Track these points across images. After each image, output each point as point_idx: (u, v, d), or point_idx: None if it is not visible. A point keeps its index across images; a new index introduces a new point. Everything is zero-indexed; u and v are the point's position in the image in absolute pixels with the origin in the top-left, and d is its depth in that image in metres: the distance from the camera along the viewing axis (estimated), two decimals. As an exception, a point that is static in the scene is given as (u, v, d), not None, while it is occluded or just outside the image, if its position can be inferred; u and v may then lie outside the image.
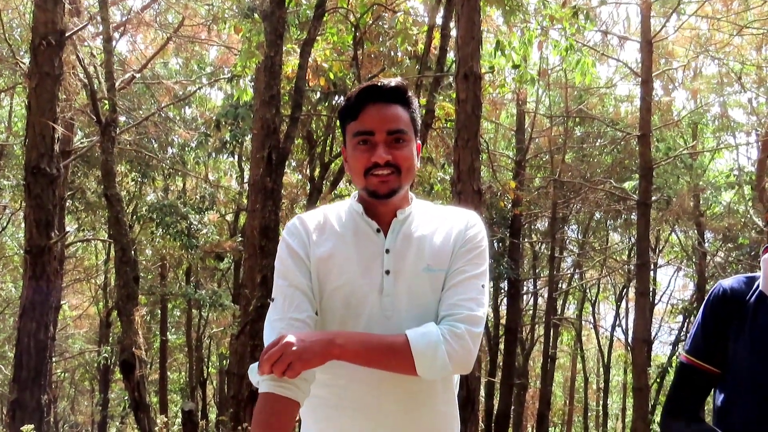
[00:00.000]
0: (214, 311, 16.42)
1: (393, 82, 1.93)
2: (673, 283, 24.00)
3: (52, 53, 8.83)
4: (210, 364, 23.44)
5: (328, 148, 13.24)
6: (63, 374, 24.74)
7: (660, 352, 23.71)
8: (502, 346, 18.62)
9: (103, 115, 9.10)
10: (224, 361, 20.09)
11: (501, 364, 18.39)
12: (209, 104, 18.50)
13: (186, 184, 18.89)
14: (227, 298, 15.64)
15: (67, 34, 9.13)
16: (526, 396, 21.70)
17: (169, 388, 23.10)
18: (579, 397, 25.84)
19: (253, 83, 11.81)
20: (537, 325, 22.18)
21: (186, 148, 16.83)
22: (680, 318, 21.71)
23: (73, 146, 13.55)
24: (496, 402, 18.98)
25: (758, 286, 2.03)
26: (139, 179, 16.49)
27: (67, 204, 15.09)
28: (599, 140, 18.46)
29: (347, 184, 13.46)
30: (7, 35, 11.67)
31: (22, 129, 14.63)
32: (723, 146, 18.24)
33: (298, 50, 8.95)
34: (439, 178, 13.15)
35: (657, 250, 21.40)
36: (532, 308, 22.43)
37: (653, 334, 20.77)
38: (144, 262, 19.41)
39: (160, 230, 14.45)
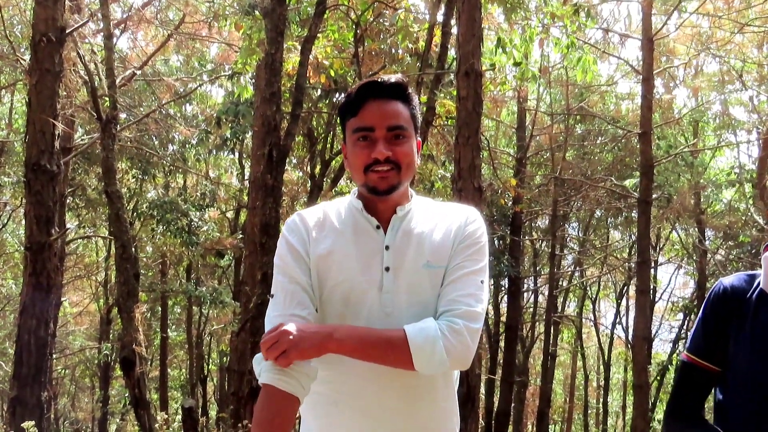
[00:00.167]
0: (215, 308, 16.46)
1: (393, 78, 1.93)
2: (674, 281, 24.03)
3: (52, 50, 8.83)
4: (210, 361, 23.48)
5: (328, 146, 13.25)
6: (63, 371, 24.77)
7: (660, 349, 23.73)
8: (502, 344, 18.62)
9: (104, 112, 9.09)
10: (225, 358, 20.14)
11: (501, 361, 18.39)
12: (210, 101, 18.50)
13: (187, 181, 18.88)
14: (228, 295, 15.65)
15: (67, 31, 9.13)
16: (527, 393, 21.71)
17: (170, 385, 23.12)
18: (579, 394, 25.86)
19: (253, 80, 11.81)
20: (537, 323, 22.18)
21: (187, 145, 16.81)
22: (681, 316, 21.72)
23: (73, 143, 13.55)
24: (496, 399, 18.98)
25: (759, 283, 2.03)
26: (140, 176, 16.49)
27: (68, 201, 15.12)
28: (600, 138, 18.45)
29: (348, 181, 13.45)
30: (7, 32, 11.67)
31: (22, 126, 14.62)
32: (724, 144, 18.23)
33: (299, 47, 8.93)
34: (439, 176, 13.16)
35: (657, 248, 21.40)
36: (532, 306, 22.44)
37: (653, 331, 20.80)
38: (144, 259, 19.42)
39: (161, 227, 14.46)
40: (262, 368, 1.81)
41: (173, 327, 23.40)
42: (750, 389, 1.98)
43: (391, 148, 1.88)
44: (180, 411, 8.35)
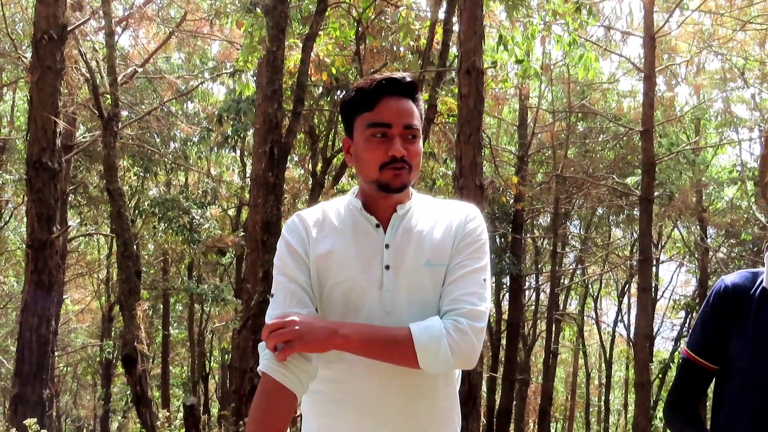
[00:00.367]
0: (216, 306, 16.47)
1: (408, 76, 1.92)
2: (676, 279, 24.03)
3: (54, 47, 8.83)
4: (212, 358, 23.50)
5: (330, 143, 13.22)
6: (65, 369, 24.81)
7: (662, 347, 23.72)
8: (504, 342, 18.65)
9: (106, 110, 9.09)
10: (226, 356, 20.16)
11: (503, 359, 18.40)
12: (211, 99, 18.49)
13: (188, 178, 18.89)
14: (229, 292, 15.66)
15: (69, 29, 9.13)
16: (528, 391, 21.72)
17: (171, 383, 23.16)
18: (581, 392, 25.86)
19: (255, 78, 11.80)
20: (539, 321, 22.17)
21: (188, 143, 16.82)
22: (682, 314, 21.69)
23: (75, 141, 13.55)
24: (498, 397, 18.98)
25: (762, 282, 2.02)
26: (142, 174, 16.50)
27: (70, 198, 15.12)
28: (602, 136, 18.43)
29: (349, 179, 13.44)
30: (9, 29, 11.68)
31: (24, 123, 14.63)
32: (726, 142, 18.21)
33: (301, 45, 8.93)
34: (441, 173, 13.16)
35: (659, 246, 21.39)
36: (534, 304, 22.43)
37: (655, 329, 20.77)
38: (146, 257, 19.44)
39: (163, 225, 14.46)
40: (264, 356, 1.81)
41: (175, 325, 23.42)
42: (750, 389, 1.98)
43: (405, 146, 1.88)
44: (182, 408, 8.35)
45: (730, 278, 2.08)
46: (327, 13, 9.66)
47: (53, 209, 8.88)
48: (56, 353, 11.89)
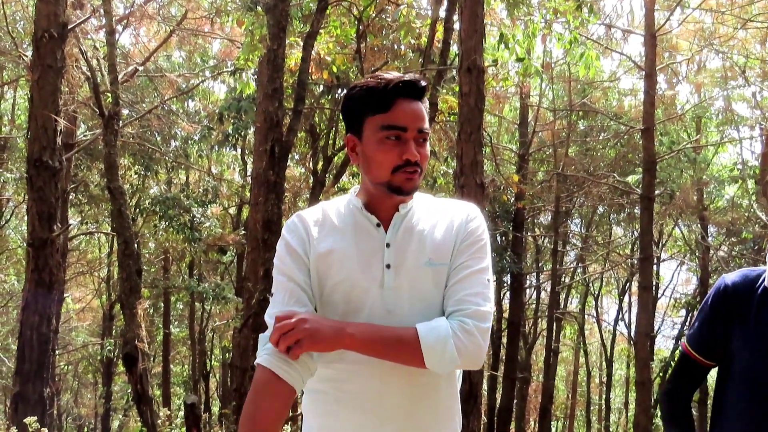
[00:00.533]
0: (217, 304, 16.45)
1: (423, 80, 1.91)
2: (676, 278, 24.05)
3: (54, 46, 8.82)
4: (213, 357, 23.51)
5: (331, 142, 13.21)
6: (66, 367, 24.83)
7: (663, 346, 23.74)
8: (504, 340, 18.65)
9: (106, 108, 9.08)
10: (227, 354, 20.14)
11: (504, 358, 18.42)
12: (212, 97, 18.50)
13: (189, 177, 18.89)
14: (230, 291, 15.65)
15: (69, 27, 9.13)
16: (529, 390, 21.73)
17: (172, 381, 23.18)
18: (582, 391, 25.88)
19: (255, 76, 11.79)
20: (540, 319, 22.19)
21: (189, 141, 16.82)
22: (683, 312, 21.71)
23: (76, 139, 13.56)
24: (498, 396, 18.99)
25: (763, 280, 2.01)
26: (142, 172, 16.49)
27: (70, 197, 15.12)
28: (603, 134, 18.43)
29: (350, 177, 13.44)
30: (10, 28, 11.68)
31: (24, 122, 14.64)
32: (727, 140, 18.22)
33: (301, 43, 8.92)
34: (442, 172, 13.14)
35: (660, 245, 21.39)
36: (535, 302, 22.44)
37: (656, 328, 20.78)
38: (147, 255, 19.44)
39: (163, 223, 14.46)
40: (266, 351, 1.81)
41: (176, 323, 23.42)
42: (750, 389, 1.98)
43: (417, 149, 1.88)
44: (182, 407, 8.36)
45: (731, 277, 2.08)
46: (328, 12, 9.65)
47: (54, 208, 8.87)
48: (57, 352, 11.90)
